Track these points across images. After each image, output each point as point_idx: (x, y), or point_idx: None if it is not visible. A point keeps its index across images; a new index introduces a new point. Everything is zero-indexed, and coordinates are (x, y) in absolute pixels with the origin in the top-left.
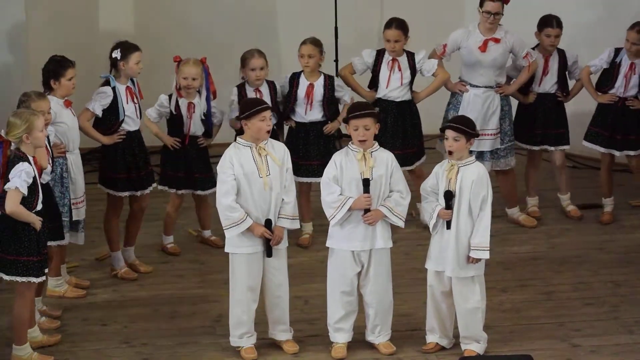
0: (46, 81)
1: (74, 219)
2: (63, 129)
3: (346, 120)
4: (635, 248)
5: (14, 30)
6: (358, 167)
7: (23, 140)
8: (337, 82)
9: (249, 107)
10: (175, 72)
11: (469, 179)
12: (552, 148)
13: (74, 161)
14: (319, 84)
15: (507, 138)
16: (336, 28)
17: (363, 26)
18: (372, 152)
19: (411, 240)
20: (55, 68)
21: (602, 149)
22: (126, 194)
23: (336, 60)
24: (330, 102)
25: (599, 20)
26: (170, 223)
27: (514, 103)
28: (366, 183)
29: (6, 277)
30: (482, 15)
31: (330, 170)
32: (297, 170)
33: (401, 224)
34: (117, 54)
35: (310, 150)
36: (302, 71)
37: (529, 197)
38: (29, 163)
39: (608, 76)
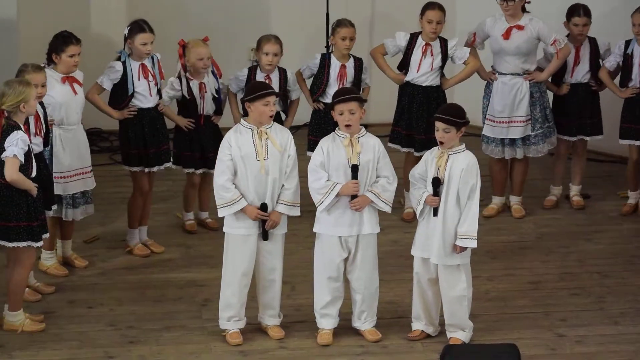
0: (49, 54)
1: (55, 192)
2: (50, 102)
3: (332, 107)
4: (622, 239)
5: (4, 22)
6: (345, 153)
7: (19, 110)
8: (365, 64)
9: (254, 91)
10: (179, 55)
11: (459, 167)
12: (588, 138)
13: (62, 136)
14: (350, 66)
15: (538, 125)
16: (327, 14)
17: (355, 13)
18: (359, 137)
19: (399, 227)
20: (58, 43)
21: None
22: (137, 169)
23: (327, 47)
24: (358, 84)
25: (612, 11)
26: (191, 200)
27: (550, 95)
28: (355, 169)
29: (9, 244)
30: (499, 3)
31: (317, 156)
32: None
33: (388, 209)
34: (126, 31)
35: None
36: (332, 52)
37: (554, 186)
38: (22, 131)
39: (626, 69)
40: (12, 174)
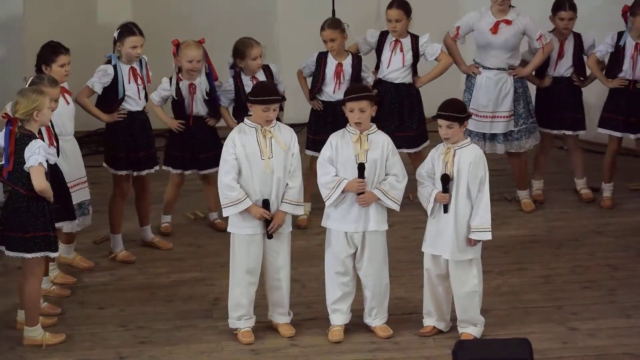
0: (38, 66)
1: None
2: None
3: (342, 103)
4: (632, 232)
5: (10, 19)
6: (353, 149)
7: (33, 119)
8: (364, 62)
9: (259, 94)
10: (173, 54)
11: (467, 160)
12: (570, 132)
13: (63, 146)
14: (347, 64)
15: (521, 120)
16: (333, 10)
17: (361, 8)
18: (368, 134)
19: (409, 223)
20: (47, 54)
21: (617, 134)
22: (124, 172)
23: None
24: (356, 81)
25: (603, 5)
26: (172, 202)
27: (533, 87)
28: (361, 168)
29: (28, 255)
30: None
31: (326, 151)
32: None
33: (396, 207)
34: (115, 34)
35: (338, 128)
36: (329, 51)
37: (534, 180)
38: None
39: (615, 60)
40: (41, 182)
